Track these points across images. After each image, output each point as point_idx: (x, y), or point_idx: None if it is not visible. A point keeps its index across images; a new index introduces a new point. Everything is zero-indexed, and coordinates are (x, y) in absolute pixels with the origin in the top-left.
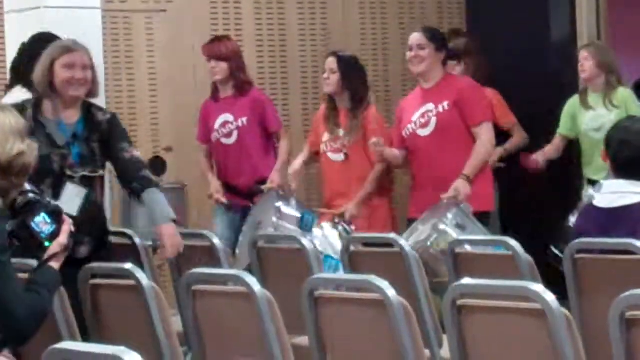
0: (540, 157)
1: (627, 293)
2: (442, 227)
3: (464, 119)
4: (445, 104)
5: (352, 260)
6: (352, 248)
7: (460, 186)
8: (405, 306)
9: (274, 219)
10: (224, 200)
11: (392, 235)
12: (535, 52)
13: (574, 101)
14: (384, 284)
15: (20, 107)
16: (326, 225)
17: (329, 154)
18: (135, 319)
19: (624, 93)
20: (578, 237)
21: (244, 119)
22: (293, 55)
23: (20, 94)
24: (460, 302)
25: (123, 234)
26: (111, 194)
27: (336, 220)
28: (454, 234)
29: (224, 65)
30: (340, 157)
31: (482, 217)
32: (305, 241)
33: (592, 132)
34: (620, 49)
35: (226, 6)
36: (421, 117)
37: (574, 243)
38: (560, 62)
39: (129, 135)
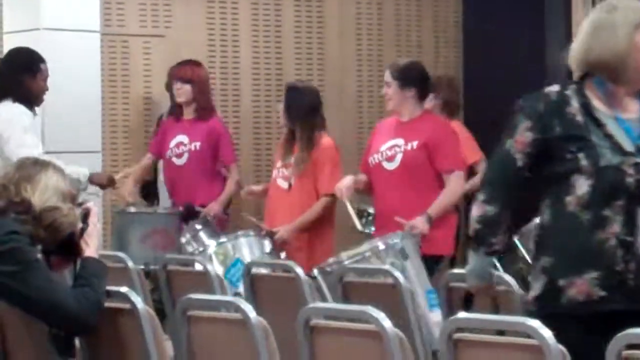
0: None
1: (624, 332)
2: (381, 247)
3: (433, 162)
4: (415, 143)
5: (345, 291)
6: (345, 279)
7: (418, 222)
8: (401, 338)
9: (188, 235)
10: (129, 199)
11: (387, 266)
12: (531, 86)
13: None
14: (380, 315)
15: (560, 97)
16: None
17: (278, 180)
18: (129, 342)
19: None
20: None
21: (197, 144)
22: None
23: (12, 108)
24: (456, 336)
25: (116, 258)
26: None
27: (264, 235)
28: (390, 259)
29: (187, 88)
30: (285, 184)
31: (434, 261)
32: (299, 270)
33: None
34: None
35: (224, 32)
36: (388, 150)
37: None
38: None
39: (124, 159)
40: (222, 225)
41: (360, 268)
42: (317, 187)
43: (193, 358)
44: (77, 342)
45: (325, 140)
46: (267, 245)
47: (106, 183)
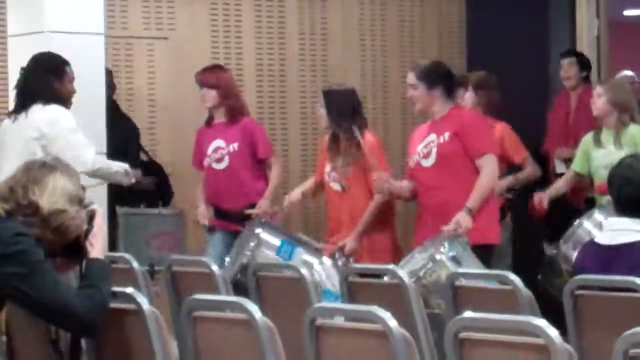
0: (545, 197)
1: (632, 331)
2: (438, 257)
3: (466, 150)
4: (447, 135)
5: (350, 291)
6: (350, 279)
7: (460, 219)
8: (407, 338)
9: (252, 244)
10: (205, 222)
11: (391, 266)
12: (535, 90)
13: (588, 138)
14: (386, 315)
15: None
16: (326, 259)
17: (331, 184)
18: (135, 343)
19: (633, 131)
20: (578, 272)
21: (235, 145)
22: (292, 86)
23: (50, 111)
24: (462, 335)
25: (121, 259)
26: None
27: (336, 256)
28: (449, 265)
29: (213, 93)
30: (338, 187)
31: (484, 250)
32: (304, 270)
33: (602, 170)
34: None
35: (227, 35)
36: (424, 148)
37: (574, 279)
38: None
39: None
40: (272, 219)
41: (364, 267)
42: (369, 185)
43: (199, 359)
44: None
45: (370, 137)
46: (341, 263)
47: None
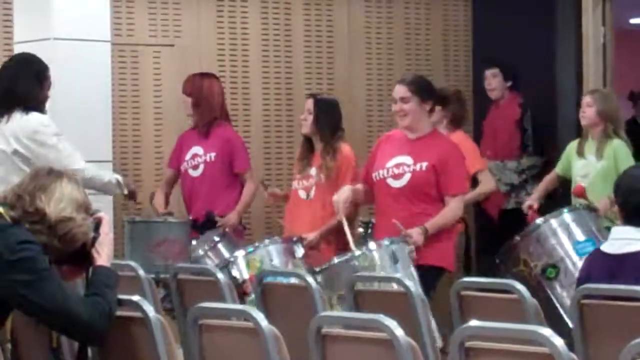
0: (534, 201)
1: (638, 340)
2: (372, 247)
3: (438, 183)
4: (424, 164)
5: (356, 299)
6: (356, 287)
7: (414, 232)
8: (413, 346)
9: (205, 247)
10: (162, 210)
11: (398, 275)
12: (541, 95)
13: (572, 145)
14: (392, 324)
15: None
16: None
17: (299, 191)
18: (141, 351)
19: (616, 145)
20: (584, 282)
21: (212, 155)
22: (299, 93)
23: (25, 122)
24: (468, 344)
25: (127, 267)
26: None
27: (294, 239)
28: (384, 259)
29: (188, 100)
30: (304, 195)
31: (436, 272)
32: (309, 278)
33: (579, 179)
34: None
35: (233, 42)
36: (395, 167)
37: (580, 288)
38: (565, 104)
39: (134, 169)
40: (238, 236)
41: (370, 276)
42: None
43: None
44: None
45: (346, 149)
46: (299, 251)
47: (134, 192)
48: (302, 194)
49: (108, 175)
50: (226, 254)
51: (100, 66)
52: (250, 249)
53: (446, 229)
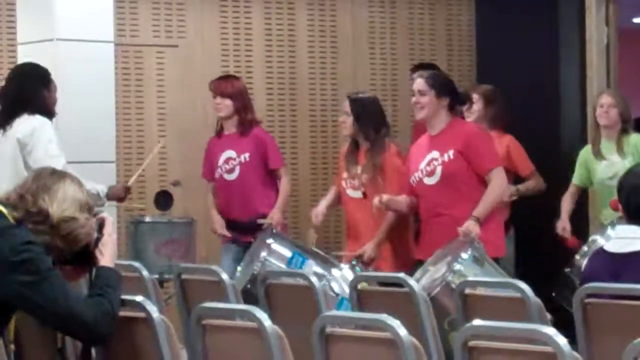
0: (566, 223)
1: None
2: (457, 267)
3: (472, 167)
4: (451, 152)
5: (360, 299)
6: (359, 287)
7: (470, 226)
8: (417, 346)
9: (263, 254)
10: (227, 234)
11: (402, 275)
12: (544, 96)
13: (586, 151)
14: (395, 323)
15: None
16: (345, 267)
17: (348, 191)
18: (144, 351)
19: (635, 140)
20: (588, 281)
21: (247, 155)
22: (302, 94)
23: (33, 120)
24: (471, 343)
25: (130, 267)
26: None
27: (354, 263)
28: (470, 272)
29: (228, 102)
30: (358, 194)
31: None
32: (313, 278)
33: (607, 181)
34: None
35: (237, 43)
36: (427, 165)
37: (583, 287)
38: (569, 106)
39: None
40: (283, 230)
41: (374, 275)
42: (389, 193)
43: None
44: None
45: (392, 147)
46: (358, 270)
47: (123, 195)
48: (352, 193)
49: (88, 185)
50: (285, 252)
51: (103, 67)
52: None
53: (492, 214)
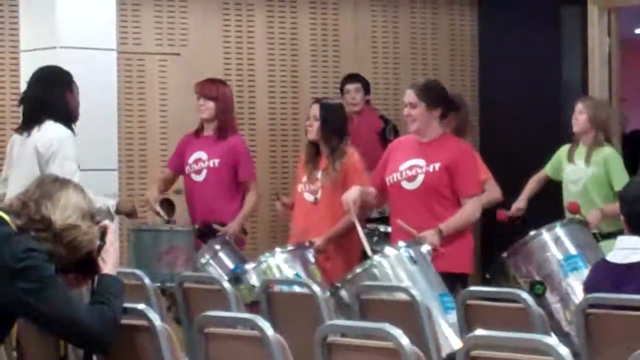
0: (521, 204)
1: None
2: (390, 252)
3: (453, 185)
4: (437, 165)
5: (362, 308)
6: (362, 296)
7: (428, 234)
8: (418, 355)
9: (207, 256)
10: (158, 209)
11: (404, 284)
12: (546, 105)
13: (564, 149)
14: (397, 333)
15: None
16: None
17: (305, 194)
18: (146, 359)
19: (607, 152)
20: (590, 291)
21: (216, 161)
22: (304, 100)
23: (57, 129)
24: (473, 353)
25: (133, 275)
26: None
27: (306, 245)
28: (402, 264)
29: (210, 105)
30: (311, 198)
31: (453, 278)
32: (315, 287)
33: (570, 185)
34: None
35: (239, 50)
36: (409, 170)
37: (586, 297)
38: (571, 114)
39: (140, 177)
40: (239, 244)
41: (377, 285)
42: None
43: None
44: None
45: (352, 151)
46: (311, 257)
47: (132, 212)
48: (308, 196)
49: (100, 202)
50: (228, 263)
51: (106, 74)
52: (263, 259)
53: (460, 233)
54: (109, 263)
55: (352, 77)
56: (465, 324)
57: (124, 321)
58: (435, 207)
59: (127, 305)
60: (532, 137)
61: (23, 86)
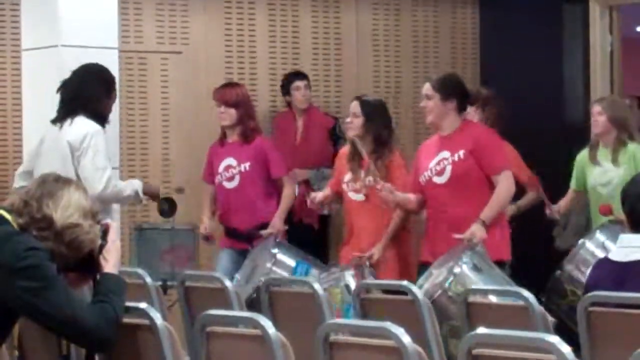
0: (555, 213)
1: None
2: (457, 270)
3: (482, 167)
4: (461, 152)
5: (363, 307)
6: (363, 294)
7: (475, 230)
8: (420, 353)
9: (269, 265)
10: (209, 234)
11: (405, 282)
12: (548, 103)
13: (583, 156)
14: (399, 331)
15: None
16: (348, 275)
17: (350, 194)
18: (148, 358)
19: (633, 149)
20: (592, 289)
21: (247, 165)
22: None
23: (87, 124)
24: (475, 351)
25: (134, 274)
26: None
27: (364, 265)
28: (470, 276)
29: (232, 112)
30: (360, 197)
31: (497, 266)
32: (317, 285)
33: (600, 187)
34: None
35: (241, 49)
36: (437, 165)
37: (587, 296)
38: (573, 113)
39: (142, 175)
40: (283, 237)
41: (378, 284)
42: None
43: None
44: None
45: (396, 150)
46: (368, 273)
47: (157, 193)
48: (354, 196)
49: (129, 189)
50: (288, 262)
51: None
52: (332, 282)
53: (498, 217)
54: (111, 262)
55: (299, 74)
56: (467, 323)
57: (126, 320)
58: (471, 194)
59: (128, 304)
60: (533, 136)
61: (24, 85)
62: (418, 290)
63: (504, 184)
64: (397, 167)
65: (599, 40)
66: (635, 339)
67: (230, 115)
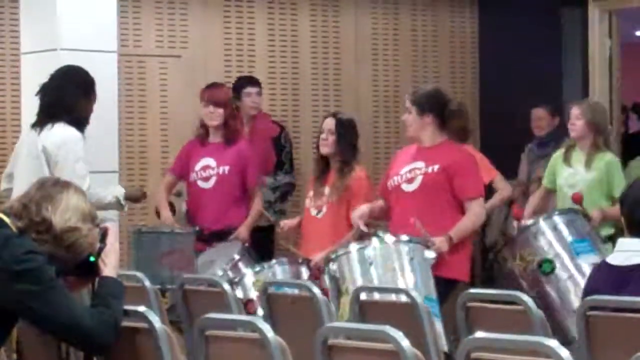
0: (528, 212)
1: None
2: (390, 240)
3: (453, 187)
4: (436, 167)
5: (362, 310)
6: (361, 297)
7: (437, 240)
8: (419, 357)
9: (225, 266)
10: (172, 222)
11: (404, 286)
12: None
13: (558, 155)
14: (398, 335)
15: None
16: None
17: (311, 210)
18: None
19: (609, 159)
20: (590, 293)
21: (226, 168)
22: (305, 103)
23: (66, 131)
24: (473, 355)
25: (133, 277)
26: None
27: (300, 261)
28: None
29: (220, 111)
30: (315, 212)
31: (449, 284)
32: (316, 289)
33: (566, 188)
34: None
35: (240, 53)
36: (408, 172)
37: (586, 300)
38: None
39: (140, 179)
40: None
41: (377, 287)
42: (347, 217)
43: None
44: None
45: (360, 169)
46: (304, 272)
47: (140, 196)
48: (313, 211)
49: (110, 196)
50: (244, 270)
51: (106, 77)
52: (258, 268)
53: (462, 241)
54: (110, 265)
55: (252, 80)
56: (466, 326)
57: (125, 323)
58: (434, 209)
59: (127, 307)
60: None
61: (24, 88)
62: (417, 295)
63: (478, 211)
64: (359, 188)
65: (598, 45)
66: (633, 343)
67: (219, 115)
